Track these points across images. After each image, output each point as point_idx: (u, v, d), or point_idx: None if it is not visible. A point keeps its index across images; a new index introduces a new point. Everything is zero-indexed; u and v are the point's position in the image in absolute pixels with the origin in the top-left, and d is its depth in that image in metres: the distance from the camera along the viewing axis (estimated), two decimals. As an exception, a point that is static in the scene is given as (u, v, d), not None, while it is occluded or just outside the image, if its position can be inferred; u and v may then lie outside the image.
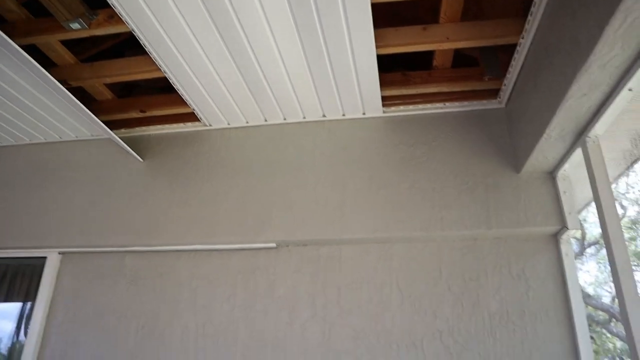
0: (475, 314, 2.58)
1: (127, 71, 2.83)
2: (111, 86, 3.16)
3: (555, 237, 2.68)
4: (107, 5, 2.24)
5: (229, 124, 3.22)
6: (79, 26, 2.44)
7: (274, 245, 2.86)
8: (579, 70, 1.89)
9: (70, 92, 2.68)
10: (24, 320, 3.16)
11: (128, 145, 3.10)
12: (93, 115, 2.79)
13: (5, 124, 3.28)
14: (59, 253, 3.12)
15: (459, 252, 2.72)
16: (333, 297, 2.72)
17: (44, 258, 3.12)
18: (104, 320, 2.90)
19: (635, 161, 2.76)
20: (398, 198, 2.81)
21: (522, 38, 2.46)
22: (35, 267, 3.15)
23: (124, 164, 3.26)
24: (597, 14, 1.69)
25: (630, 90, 1.96)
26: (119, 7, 2.21)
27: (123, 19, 2.29)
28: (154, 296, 2.90)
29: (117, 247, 3.02)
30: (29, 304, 3.17)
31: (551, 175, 2.74)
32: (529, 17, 2.34)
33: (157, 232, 2.99)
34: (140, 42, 2.43)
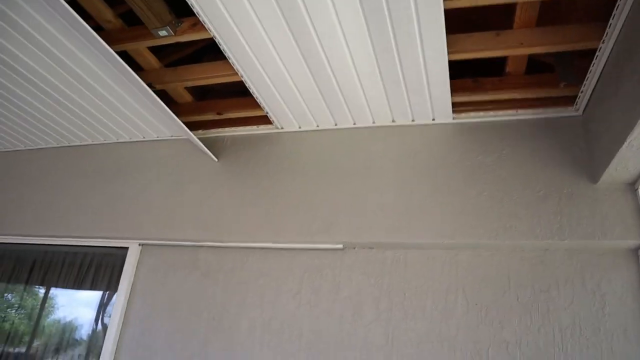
0: (544, 326, 2.49)
1: (207, 75, 3.01)
2: (190, 89, 3.37)
3: (636, 252, 2.54)
4: (192, 14, 2.40)
5: (300, 127, 3.33)
6: (166, 33, 2.63)
7: (340, 246, 2.92)
8: (665, 75, 1.81)
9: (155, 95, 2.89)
10: (103, 308, 3.41)
11: (205, 146, 3.28)
12: (175, 117, 2.98)
13: (97, 123, 3.58)
14: (139, 245, 3.35)
15: (529, 263, 2.64)
16: (397, 301, 2.73)
17: (126, 249, 3.36)
18: (178, 311, 3.07)
19: None
20: (465, 205, 2.78)
21: (603, 43, 2.38)
22: (116, 257, 3.39)
23: (200, 163, 3.46)
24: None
25: None
26: (202, 16, 2.36)
27: (206, 27, 2.45)
28: (224, 290, 3.04)
29: (191, 241, 3.20)
30: (107, 293, 3.42)
31: (632, 186, 2.61)
32: (611, 21, 2.26)
33: (229, 229, 3.13)
34: (221, 47, 2.58)
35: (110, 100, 3.24)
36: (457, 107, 2.94)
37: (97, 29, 2.68)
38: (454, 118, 3.01)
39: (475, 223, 2.72)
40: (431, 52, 2.39)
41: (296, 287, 2.92)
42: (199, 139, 3.26)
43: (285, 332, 2.82)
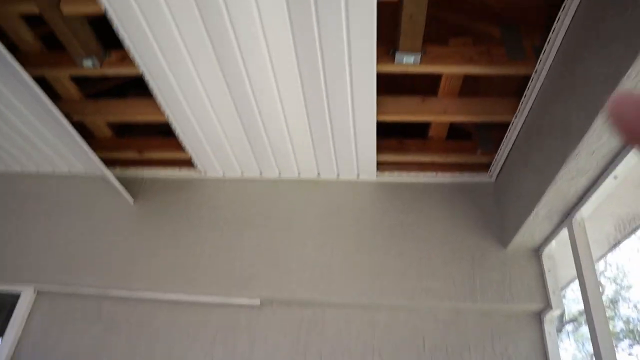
0: (456, 389, 2.52)
1: (130, 112, 2.88)
2: (111, 123, 3.19)
3: (539, 316, 2.67)
4: (121, 47, 2.30)
5: (224, 174, 3.24)
6: (91, 64, 2.51)
7: (257, 302, 2.80)
8: (568, 155, 1.97)
9: (71, 126, 2.70)
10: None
11: (121, 185, 3.09)
12: (91, 152, 2.80)
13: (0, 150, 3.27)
14: (35, 291, 3.01)
15: (443, 324, 2.68)
16: (313, 361, 2.64)
17: (18, 294, 3.00)
18: (73, 365, 2.77)
19: (617, 244, 2.83)
20: (385, 264, 2.80)
21: (516, 117, 2.57)
22: (4, 300, 3.02)
23: (114, 204, 3.24)
24: (588, 106, 1.79)
25: (615, 177, 2.04)
26: (132, 50, 2.27)
27: (135, 62, 2.36)
28: (129, 345, 2.77)
29: (95, 287, 2.93)
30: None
31: (537, 252, 2.77)
32: (523, 99, 2.46)
33: (138, 276, 2.91)
34: (149, 85, 2.49)
35: (17, 125, 2.97)
36: (381, 165, 3.02)
37: (12, 47, 2.49)
38: (377, 176, 3.08)
39: (394, 283, 2.73)
40: (361, 112, 2.46)
41: (208, 345, 2.72)
42: (116, 177, 3.07)
43: (192, 393, 2.62)
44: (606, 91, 1.68)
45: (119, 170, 3.34)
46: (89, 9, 2.14)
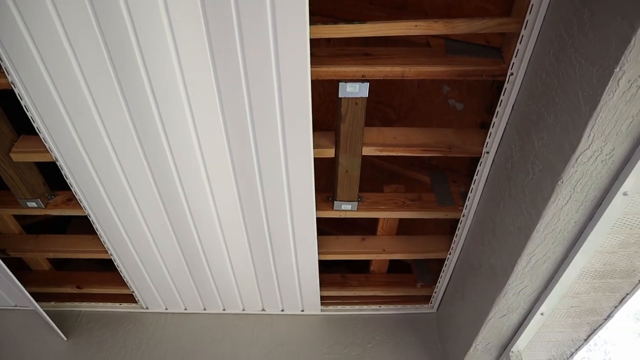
0: None
1: (72, 249, 2.83)
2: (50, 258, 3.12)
3: None
4: (67, 188, 2.35)
5: (166, 309, 3.17)
6: (35, 205, 2.51)
7: None
8: (497, 295, 2.10)
9: (7, 261, 2.61)
10: None
11: (56, 321, 2.94)
12: (22, 287, 2.69)
13: None
14: None
15: None
16: None
17: None
18: None
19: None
20: (331, 403, 2.74)
21: (450, 254, 2.73)
22: None
23: (45, 341, 3.05)
24: (509, 251, 1.96)
25: (542, 314, 2.17)
26: (79, 193, 2.32)
27: (81, 204, 2.39)
28: None
29: None
30: None
31: (482, 386, 2.79)
32: (455, 238, 2.63)
33: None
34: (94, 226, 2.51)
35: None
36: (325, 299, 3.05)
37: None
38: (322, 310, 3.10)
39: None
40: (303, 252, 2.55)
41: None
42: (51, 311, 2.95)
43: None
44: (521, 241, 1.85)
45: (53, 304, 3.21)
46: (39, 158, 2.21)
